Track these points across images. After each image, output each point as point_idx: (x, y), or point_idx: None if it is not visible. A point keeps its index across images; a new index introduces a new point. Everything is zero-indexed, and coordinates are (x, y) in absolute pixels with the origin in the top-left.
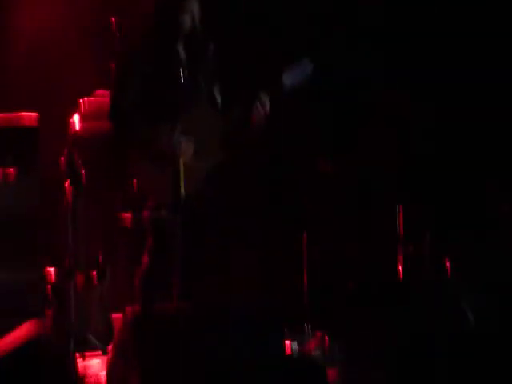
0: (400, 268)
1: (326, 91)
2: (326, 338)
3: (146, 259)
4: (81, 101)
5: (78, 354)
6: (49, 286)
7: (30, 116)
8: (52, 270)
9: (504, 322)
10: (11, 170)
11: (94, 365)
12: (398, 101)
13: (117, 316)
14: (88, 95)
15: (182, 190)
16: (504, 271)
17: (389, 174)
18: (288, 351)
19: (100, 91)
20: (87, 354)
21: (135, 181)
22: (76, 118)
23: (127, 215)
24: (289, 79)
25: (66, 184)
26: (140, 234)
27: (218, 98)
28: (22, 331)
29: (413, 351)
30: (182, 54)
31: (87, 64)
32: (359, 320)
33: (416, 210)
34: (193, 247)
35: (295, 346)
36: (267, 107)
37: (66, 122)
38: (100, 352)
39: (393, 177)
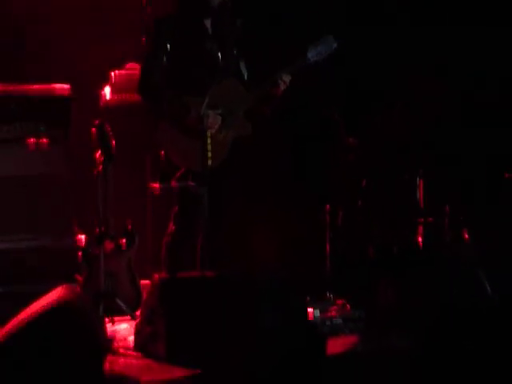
0: (420, 238)
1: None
2: (347, 305)
3: (171, 227)
4: (112, 73)
5: (107, 319)
6: (80, 253)
7: (62, 87)
8: (83, 237)
9: None
10: (44, 139)
11: (123, 329)
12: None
13: (145, 282)
14: (119, 68)
15: (209, 160)
16: None
17: (411, 149)
18: (310, 318)
19: (131, 64)
20: (116, 318)
21: (163, 151)
22: (107, 89)
23: (155, 184)
24: (313, 55)
25: (97, 154)
26: (168, 202)
27: (245, 74)
28: (54, 295)
29: (433, 319)
30: (210, 30)
31: (119, 38)
32: (379, 288)
33: (437, 183)
34: (218, 216)
35: (317, 313)
36: (288, 82)
37: (98, 94)
38: (128, 317)
39: (414, 152)
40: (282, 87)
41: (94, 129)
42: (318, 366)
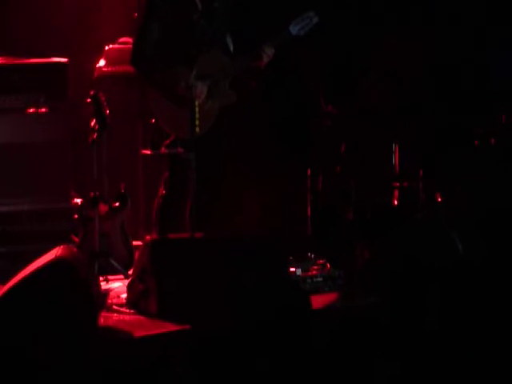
0: (395, 201)
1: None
2: (328, 265)
3: (162, 191)
4: (106, 47)
5: (101, 277)
6: (76, 215)
7: (60, 60)
8: (79, 200)
9: (489, 251)
10: (43, 109)
11: (116, 287)
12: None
13: (137, 243)
14: (112, 42)
15: (197, 128)
16: (489, 203)
17: (387, 116)
18: (293, 276)
19: (124, 38)
20: (110, 277)
21: (154, 120)
22: (102, 62)
23: (147, 151)
24: (295, 29)
25: (92, 122)
26: (158, 168)
27: (230, 46)
28: (52, 254)
29: (405, 277)
30: (199, 4)
31: (112, 12)
32: (357, 248)
33: (411, 149)
34: (206, 181)
35: (299, 272)
36: (272, 54)
37: (93, 67)
38: (121, 275)
39: (390, 119)
40: (266, 59)
41: (89, 99)
42: (305, 319)
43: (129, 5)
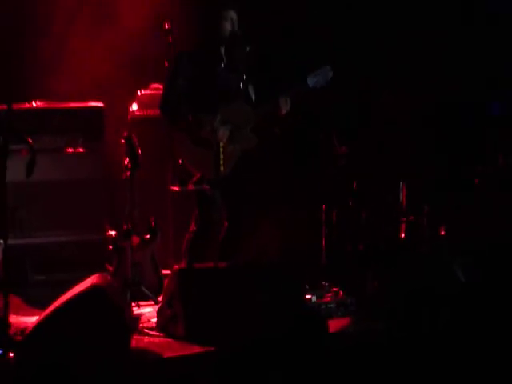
0: (402, 235)
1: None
2: (340, 292)
3: (193, 226)
4: (139, 92)
5: (133, 303)
6: (110, 247)
7: (96, 104)
8: (113, 233)
9: (488, 278)
10: (81, 149)
11: (147, 312)
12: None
13: (166, 272)
14: (145, 87)
15: (221, 168)
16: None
17: (394, 157)
18: (308, 302)
19: (155, 85)
20: (141, 303)
21: (181, 160)
22: (134, 106)
23: (175, 187)
24: (312, 81)
25: (125, 161)
26: (185, 203)
27: (252, 95)
28: (89, 282)
29: (410, 306)
30: (224, 56)
31: (145, 61)
32: (367, 278)
33: (417, 186)
34: (231, 216)
35: (314, 298)
36: (289, 105)
37: (127, 109)
38: (152, 302)
39: (397, 159)
40: (284, 109)
41: (122, 140)
42: (322, 341)
43: (160, 51)
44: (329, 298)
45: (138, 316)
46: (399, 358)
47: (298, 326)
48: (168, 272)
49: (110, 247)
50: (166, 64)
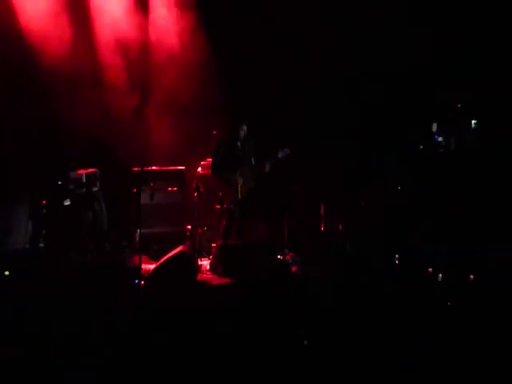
0: (322, 228)
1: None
2: (293, 254)
3: (223, 224)
4: (201, 162)
5: (198, 259)
6: (187, 233)
7: (181, 168)
8: (189, 227)
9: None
10: (174, 189)
11: (204, 263)
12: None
13: (213, 245)
14: (203, 159)
15: (239, 196)
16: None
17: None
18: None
19: (208, 159)
20: (202, 259)
21: (220, 194)
22: (199, 169)
23: (217, 206)
24: (280, 155)
25: (195, 194)
26: (222, 215)
27: (253, 162)
28: (177, 249)
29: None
30: (239, 146)
31: (205, 146)
32: (306, 249)
33: (330, 206)
34: (243, 220)
35: (281, 257)
36: (269, 167)
37: (195, 170)
38: (207, 258)
39: (319, 193)
40: (267, 169)
41: (194, 185)
42: (288, 276)
43: (212, 143)
44: (288, 257)
45: (200, 265)
46: (325, 286)
47: (274, 271)
48: (214, 245)
49: (188, 234)
50: (212, 147)
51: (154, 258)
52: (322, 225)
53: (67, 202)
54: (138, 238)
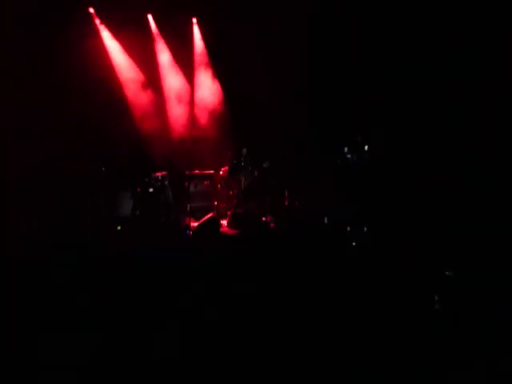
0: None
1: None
2: (272, 217)
3: (234, 202)
4: (222, 168)
5: (221, 219)
6: (214, 206)
7: (212, 171)
8: (215, 202)
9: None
10: (207, 182)
11: (224, 223)
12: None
13: (228, 212)
14: (223, 167)
15: (242, 187)
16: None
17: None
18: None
19: (226, 166)
20: (222, 220)
21: (233, 185)
22: (222, 171)
23: (231, 193)
24: (265, 165)
25: (219, 186)
26: (233, 197)
27: (250, 169)
28: (210, 214)
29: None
30: (242, 160)
31: (224, 160)
32: (278, 215)
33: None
34: (244, 200)
35: (264, 219)
36: (257, 172)
37: (219, 172)
38: (225, 220)
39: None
40: (256, 173)
41: (218, 180)
42: (267, 230)
43: (228, 154)
44: (268, 219)
45: (222, 224)
46: (285, 231)
47: (261, 226)
48: (229, 213)
49: (215, 207)
50: (229, 159)
51: (197, 219)
52: (286, 202)
53: (151, 190)
54: (188, 209)
